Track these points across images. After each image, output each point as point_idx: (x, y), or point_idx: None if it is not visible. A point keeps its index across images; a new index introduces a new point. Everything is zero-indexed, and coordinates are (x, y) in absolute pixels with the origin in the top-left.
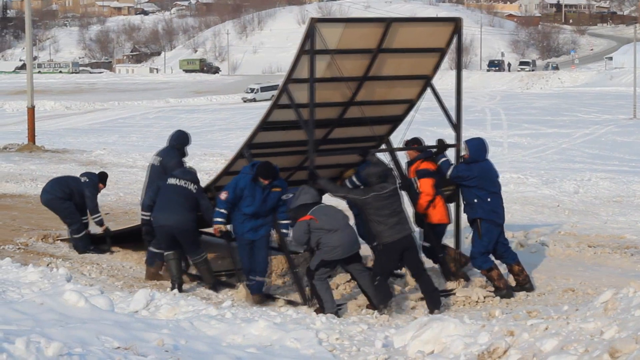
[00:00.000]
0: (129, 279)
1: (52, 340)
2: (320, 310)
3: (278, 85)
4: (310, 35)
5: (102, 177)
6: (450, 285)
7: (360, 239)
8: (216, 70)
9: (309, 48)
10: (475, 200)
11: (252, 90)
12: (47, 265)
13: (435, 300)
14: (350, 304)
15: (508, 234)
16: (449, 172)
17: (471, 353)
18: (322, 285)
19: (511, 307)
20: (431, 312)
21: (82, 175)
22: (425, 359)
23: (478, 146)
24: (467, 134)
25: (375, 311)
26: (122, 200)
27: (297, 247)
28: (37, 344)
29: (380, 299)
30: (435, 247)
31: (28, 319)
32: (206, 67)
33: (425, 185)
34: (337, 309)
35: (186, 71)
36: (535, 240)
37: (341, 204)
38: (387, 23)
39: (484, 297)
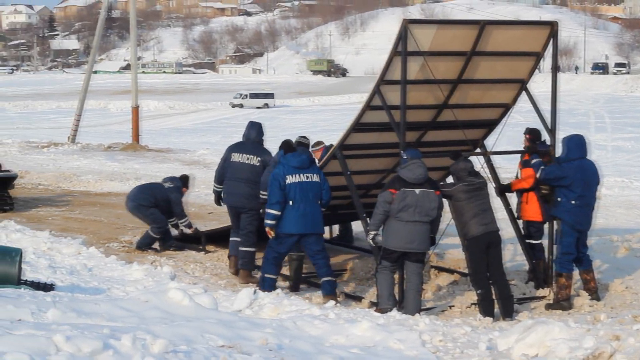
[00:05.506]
0: (232, 278)
1: (158, 337)
2: (377, 305)
3: (268, 93)
4: (402, 36)
5: (185, 181)
6: (541, 292)
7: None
8: (343, 72)
9: (401, 49)
10: (559, 199)
11: (240, 95)
12: (152, 263)
13: (508, 308)
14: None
15: (612, 237)
16: (538, 174)
17: (576, 357)
18: (382, 279)
19: (617, 312)
20: (503, 318)
21: (165, 180)
22: None
23: (572, 143)
24: None
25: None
26: None
27: None
28: (142, 340)
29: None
30: (525, 243)
31: (133, 316)
32: (333, 69)
33: (527, 172)
34: (392, 308)
35: (314, 72)
36: None
37: None
38: (481, 25)
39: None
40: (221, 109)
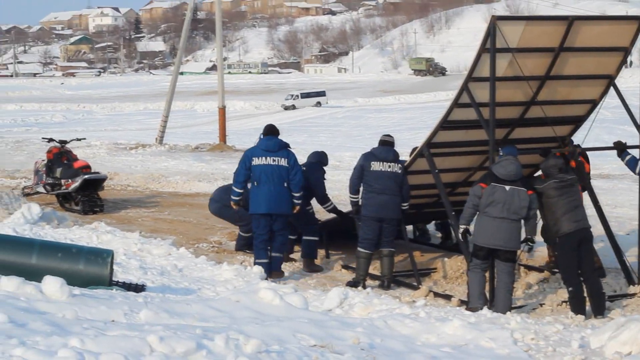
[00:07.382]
0: (322, 277)
1: (250, 337)
2: (467, 304)
3: (320, 92)
4: (491, 33)
5: None
6: (632, 289)
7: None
8: (442, 71)
9: (490, 46)
10: None
11: (292, 96)
12: (241, 263)
13: (599, 305)
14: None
15: None
16: (637, 169)
17: None
18: (473, 277)
19: None
20: (595, 316)
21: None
22: None
23: None
24: None
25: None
26: None
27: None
28: (235, 341)
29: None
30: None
31: (224, 316)
32: (432, 68)
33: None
34: (482, 307)
35: (415, 71)
36: None
37: None
38: (570, 21)
39: None
40: (307, 109)
